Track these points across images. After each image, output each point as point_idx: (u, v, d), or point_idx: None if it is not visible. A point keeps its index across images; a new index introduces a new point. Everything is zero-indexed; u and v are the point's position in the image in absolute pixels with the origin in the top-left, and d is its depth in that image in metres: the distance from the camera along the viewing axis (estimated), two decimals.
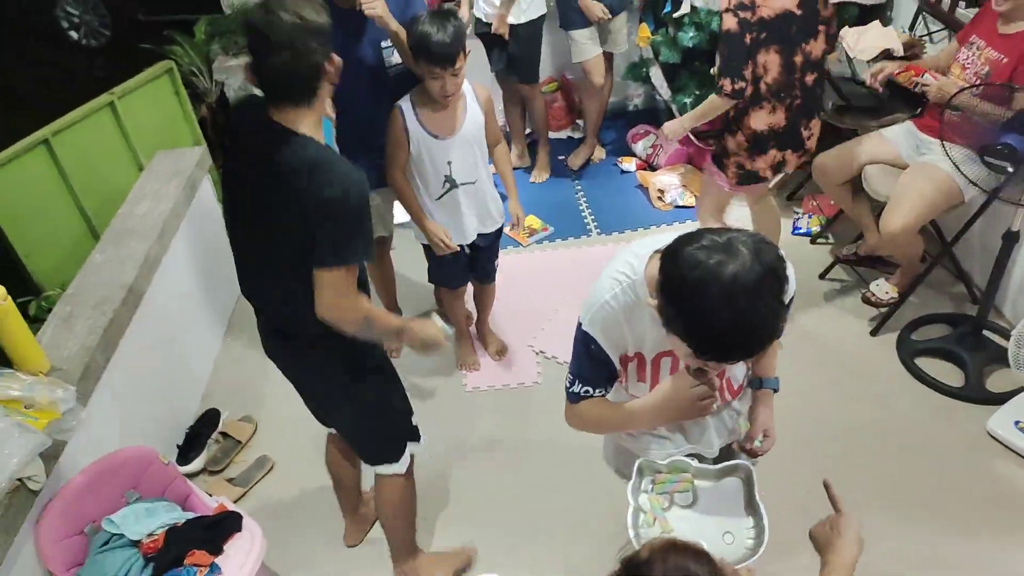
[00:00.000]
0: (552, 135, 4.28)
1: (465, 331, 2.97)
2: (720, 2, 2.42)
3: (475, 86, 2.42)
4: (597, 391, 1.52)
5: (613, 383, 1.55)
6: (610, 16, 3.55)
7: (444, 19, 2.19)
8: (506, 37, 3.54)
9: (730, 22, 2.35)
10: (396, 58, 2.39)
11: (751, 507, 1.59)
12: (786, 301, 1.17)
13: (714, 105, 2.50)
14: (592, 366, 1.48)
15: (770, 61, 2.41)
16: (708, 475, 1.64)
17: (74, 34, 6.39)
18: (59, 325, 2.20)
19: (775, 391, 1.69)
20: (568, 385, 1.55)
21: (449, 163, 2.41)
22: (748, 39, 2.35)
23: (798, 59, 2.44)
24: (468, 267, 2.72)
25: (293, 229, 1.53)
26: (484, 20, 3.58)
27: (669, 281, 1.16)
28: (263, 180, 1.55)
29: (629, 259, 1.39)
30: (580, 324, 1.47)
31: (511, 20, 3.50)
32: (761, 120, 2.50)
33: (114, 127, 3.54)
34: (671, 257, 1.16)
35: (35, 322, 2.53)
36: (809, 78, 2.50)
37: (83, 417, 1.91)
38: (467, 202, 2.51)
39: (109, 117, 3.52)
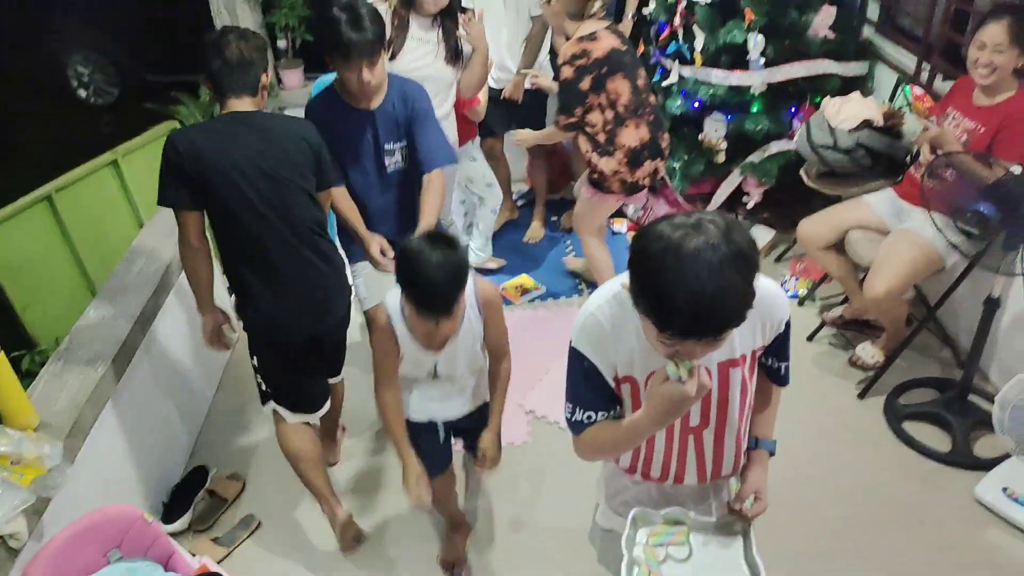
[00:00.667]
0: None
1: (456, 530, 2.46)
2: (563, 57, 2.87)
3: (480, 286, 1.95)
4: (600, 414, 1.44)
5: (616, 405, 1.46)
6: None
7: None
8: (519, 102, 3.58)
9: (567, 72, 2.85)
10: (396, 159, 2.45)
11: (748, 563, 1.57)
12: (752, 283, 1.15)
13: (551, 133, 3.13)
14: (589, 387, 1.42)
15: (619, 86, 2.86)
16: (705, 528, 1.61)
17: (82, 92, 6.55)
18: (51, 380, 2.22)
19: (771, 453, 1.66)
20: (569, 416, 1.46)
21: (435, 365, 1.99)
22: (586, 82, 2.82)
23: (640, 82, 2.93)
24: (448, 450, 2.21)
25: (309, 164, 2.11)
26: (494, 86, 3.54)
27: (635, 255, 1.18)
28: (273, 145, 2.04)
29: (617, 278, 1.38)
30: (571, 343, 1.42)
31: (526, 85, 3.54)
32: (631, 137, 2.92)
33: (116, 184, 3.62)
34: (640, 234, 1.19)
35: (28, 376, 2.54)
36: (651, 98, 3.01)
37: (69, 474, 1.91)
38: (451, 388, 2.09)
39: (112, 175, 3.60)
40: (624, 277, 1.31)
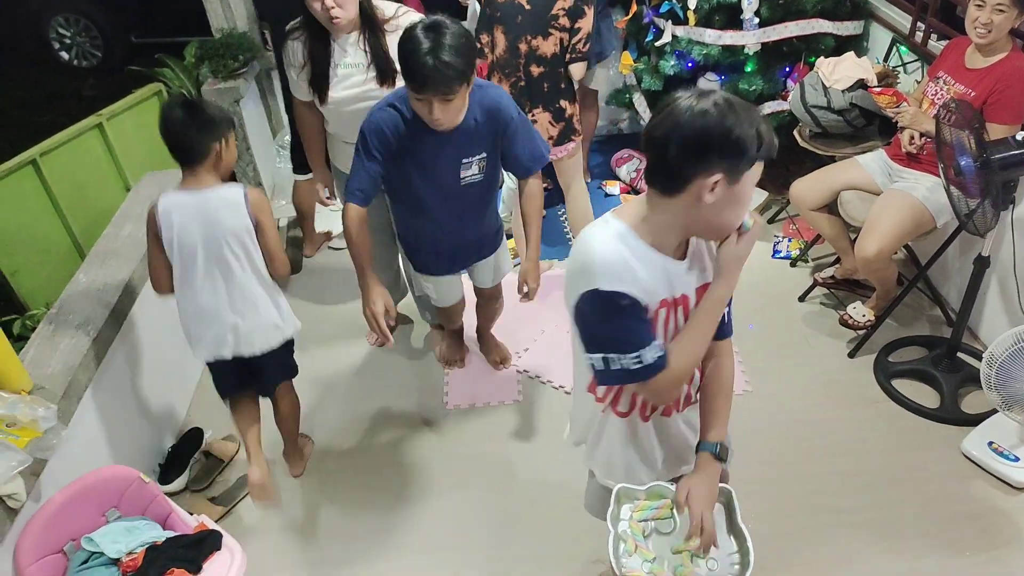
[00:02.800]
0: None
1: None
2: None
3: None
4: (660, 342, 1.36)
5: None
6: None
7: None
8: None
9: None
10: (472, 172, 2.24)
11: (733, 531, 1.59)
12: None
13: None
14: (639, 323, 1.34)
15: (498, 39, 2.90)
16: None
17: (65, 55, 6.43)
18: (42, 344, 2.21)
19: (720, 460, 1.53)
20: (635, 366, 1.34)
21: None
22: (484, 17, 2.90)
23: (523, 47, 2.87)
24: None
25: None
26: None
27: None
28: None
29: (606, 220, 1.39)
30: (594, 291, 1.31)
31: None
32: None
33: (102, 148, 3.58)
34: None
35: (19, 340, 2.54)
36: (535, 70, 2.91)
37: (64, 436, 1.92)
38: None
39: (97, 138, 3.56)
40: (613, 219, 1.37)
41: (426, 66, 1.89)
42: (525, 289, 2.48)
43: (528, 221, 2.41)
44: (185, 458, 2.59)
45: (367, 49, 2.43)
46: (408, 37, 1.93)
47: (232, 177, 2.55)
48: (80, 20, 6.30)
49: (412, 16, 2.45)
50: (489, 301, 2.83)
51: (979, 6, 2.46)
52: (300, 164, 3.32)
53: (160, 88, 3.91)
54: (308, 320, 3.16)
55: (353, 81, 2.47)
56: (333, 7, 2.28)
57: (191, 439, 2.66)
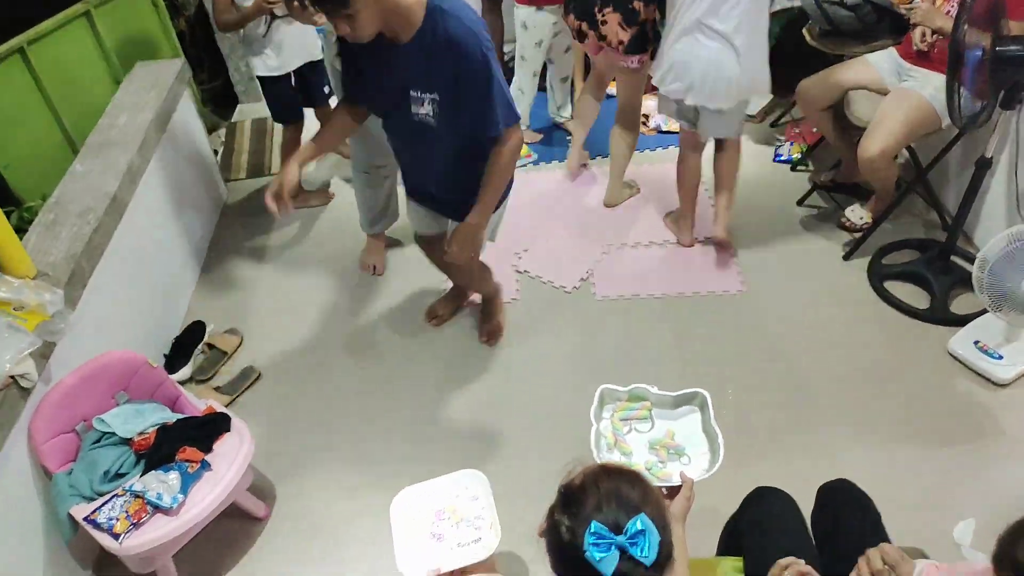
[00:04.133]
0: None
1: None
2: None
3: None
4: None
5: None
6: None
7: None
8: None
9: None
10: (425, 110, 1.96)
11: (707, 431, 1.70)
12: None
13: None
14: None
15: None
16: (666, 402, 1.74)
17: None
18: (43, 232, 2.21)
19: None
20: None
21: None
22: None
23: None
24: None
25: None
26: None
27: None
28: None
29: None
30: None
31: None
32: None
33: (91, 38, 3.47)
34: None
35: (17, 232, 2.53)
36: None
37: (71, 320, 1.94)
38: None
39: (85, 27, 3.44)
40: None
41: None
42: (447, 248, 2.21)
43: (484, 181, 2.06)
44: (189, 349, 2.63)
45: None
46: None
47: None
48: None
49: None
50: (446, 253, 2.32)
51: None
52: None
53: None
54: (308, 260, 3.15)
55: None
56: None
57: (194, 332, 2.71)
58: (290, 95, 3.14)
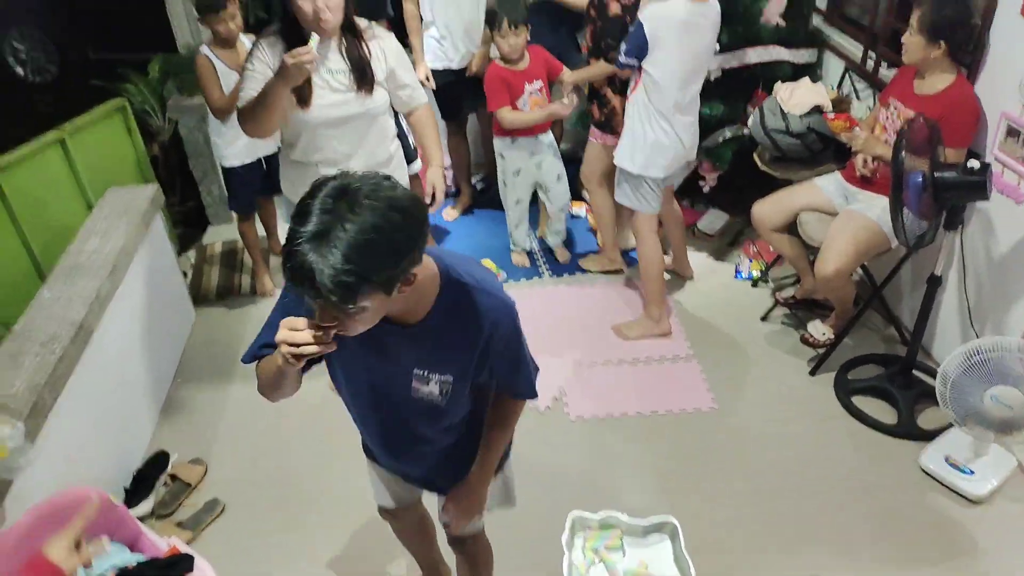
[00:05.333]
0: None
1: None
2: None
3: None
4: None
5: None
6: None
7: None
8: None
9: (615, 8, 3.05)
10: (427, 388, 1.52)
11: (678, 562, 1.68)
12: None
13: (605, 69, 3.17)
14: None
15: None
16: (636, 531, 1.73)
17: (20, 70, 6.29)
18: (7, 362, 2.16)
19: None
20: None
21: None
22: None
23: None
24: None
25: None
26: (448, 67, 3.65)
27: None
28: None
29: None
30: None
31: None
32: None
33: (63, 164, 3.51)
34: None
35: None
36: None
37: (30, 456, 1.87)
38: None
39: (59, 154, 3.49)
40: None
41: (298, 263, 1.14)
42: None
43: (494, 436, 1.69)
44: (151, 481, 2.54)
45: (345, 55, 2.36)
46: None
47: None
48: (35, 34, 6.17)
49: (385, 35, 2.46)
50: (456, 544, 1.96)
51: (906, 30, 2.63)
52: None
53: (124, 103, 3.85)
54: None
55: (336, 86, 2.36)
56: (324, 9, 2.21)
57: (157, 462, 2.61)
58: (259, 182, 3.21)
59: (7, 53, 6.21)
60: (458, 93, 3.78)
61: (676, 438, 2.78)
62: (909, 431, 2.74)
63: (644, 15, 2.80)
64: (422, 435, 1.61)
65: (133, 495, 2.49)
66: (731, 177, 3.86)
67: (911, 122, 2.46)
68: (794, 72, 3.68)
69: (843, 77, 3.59)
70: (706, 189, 3.88)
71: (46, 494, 1.88)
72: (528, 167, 3.52)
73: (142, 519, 2.44)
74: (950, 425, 2.62)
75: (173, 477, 2.60)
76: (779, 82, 3.44)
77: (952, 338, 2.93)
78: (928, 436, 2.68)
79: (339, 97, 2.37)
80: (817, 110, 3.20)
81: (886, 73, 3.31)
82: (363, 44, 2.39)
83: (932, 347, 3.09)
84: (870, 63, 3.43)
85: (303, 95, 2.31)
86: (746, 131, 3.56)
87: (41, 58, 6.26)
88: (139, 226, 2.97)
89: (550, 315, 3.43)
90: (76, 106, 3.95)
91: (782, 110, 3.24)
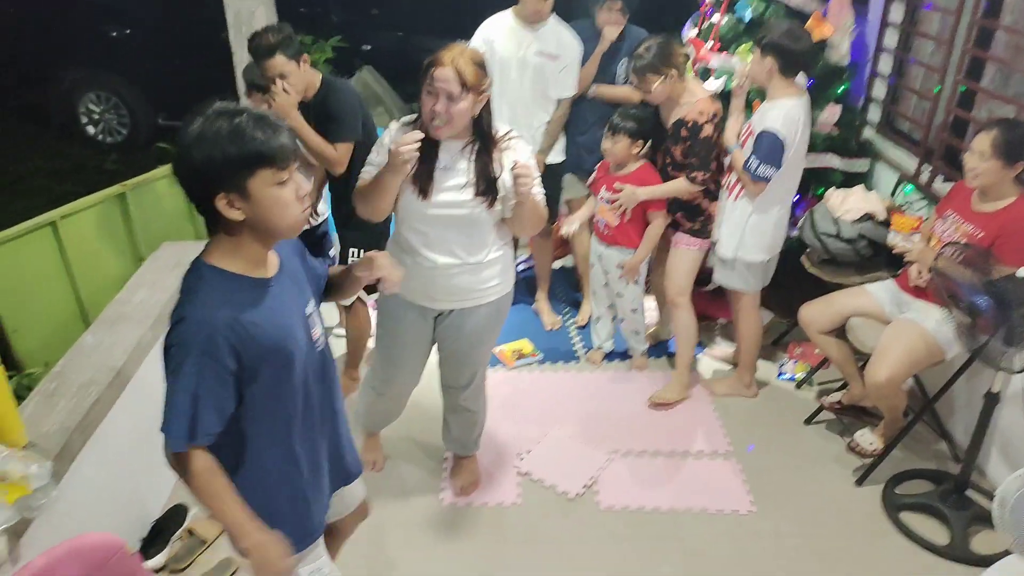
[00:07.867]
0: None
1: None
2: (701, 116, 3.00)
3: None
4: None
5: None
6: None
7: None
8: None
9: (708, 130, 3.01)
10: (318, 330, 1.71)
11: None
12: None
13: (681, 188, 3.11)
14: None
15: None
16: None
17: (92, 129, 6.62)
18: (42, 401, 2.16)
19: None
20: None
21: None
22: (715, 136, 3.04)
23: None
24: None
25: None
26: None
27: None
28: None
29: None
30: None
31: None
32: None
33: (120, 217, 3.62)
34: None
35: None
36: None
37: (53, 496, 1.84)
38: None
39: (117, 208, 3.61)
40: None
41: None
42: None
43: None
44: (167, 534, 2.47)
45: (472, 162, 2.23)
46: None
47: None
48: (111, 98, 6.53)
49: (521, 148, 2.31)
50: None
51: (970, 154, 2.59)
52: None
53: None
54: None
55: (453, 184, 2.23)
56: (436, 114, 2.10)
57: (175, 515, 2.55)
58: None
59: (83, 113, 6.57)
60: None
61: (710, 538, 2.64)
62: (963, 554, 2.56)
63: (773, 126, 2.86)
64: (336, 406, 1.77)
65: (148, 546, 2.43)
66: (778, 277, 3.82)
67: (969, 240, 2.43)
68: (845, 180, 3.68)
69: (896, 186, 3.58)
70: None
71: (63, 537, 1.83)
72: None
73: (155, 572, 2.38)
74: (1006, 552, 2.45)
75: (190, 532, 2.53)
76: (832, 188, 3.44)
77: (1009, 457, 2.78)
78: (983, 562, 2.50)
79: (453, 197, 2.24)
80: (869, 217, 3.18)
81: (940, 187, 3.30)
82: (492, 155, 2.25)
83: (987, 466, 2.93)
84: (924, 175, 3.42)
85: (424, 187, 2.22)
86: (795, 232, 3.54)
87: (113, 120, 6.60)
88: None
89: (588, 401, 3.35)
90: (139, 166, 4.13)
91: (833, 216, 3.24)
